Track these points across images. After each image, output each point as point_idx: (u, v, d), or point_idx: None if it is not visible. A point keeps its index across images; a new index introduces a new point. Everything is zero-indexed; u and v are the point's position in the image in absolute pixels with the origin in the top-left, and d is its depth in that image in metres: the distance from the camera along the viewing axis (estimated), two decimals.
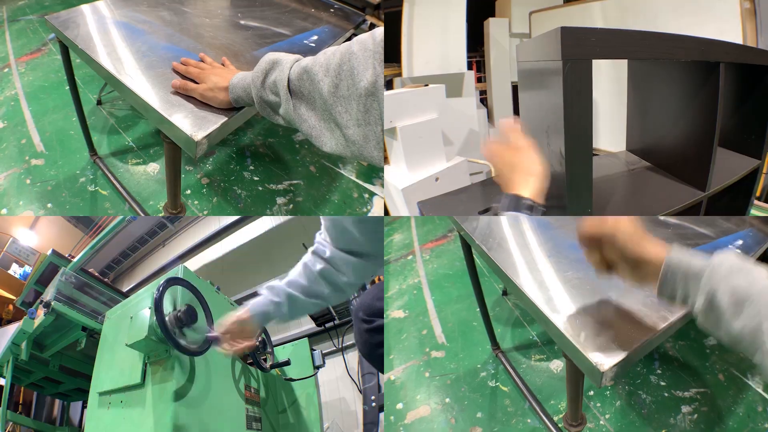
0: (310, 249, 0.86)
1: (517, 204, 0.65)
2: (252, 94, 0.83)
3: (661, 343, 1.49)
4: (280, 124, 0.83)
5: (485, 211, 1.39)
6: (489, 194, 1.60)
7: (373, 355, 0.97)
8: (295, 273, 0.87)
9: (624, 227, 0.60)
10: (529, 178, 0.67)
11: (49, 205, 1.61)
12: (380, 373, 1.58)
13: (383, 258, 0.85)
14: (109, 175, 1.70)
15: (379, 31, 0.70)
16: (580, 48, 0.72)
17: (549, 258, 0.87)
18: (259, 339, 1.39)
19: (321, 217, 0.85)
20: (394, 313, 1.93)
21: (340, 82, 0.69)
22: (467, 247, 1.26)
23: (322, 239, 0.84)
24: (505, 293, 1.92)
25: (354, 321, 0.98)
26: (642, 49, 0.80)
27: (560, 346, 0.70)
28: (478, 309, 1.52)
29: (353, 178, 1.92)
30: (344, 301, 1.95)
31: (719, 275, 0.52)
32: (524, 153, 0.69)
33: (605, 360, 0.61)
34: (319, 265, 0.83)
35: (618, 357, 0.61)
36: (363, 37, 0.70)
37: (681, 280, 0.55)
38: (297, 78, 0.75)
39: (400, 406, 1.46)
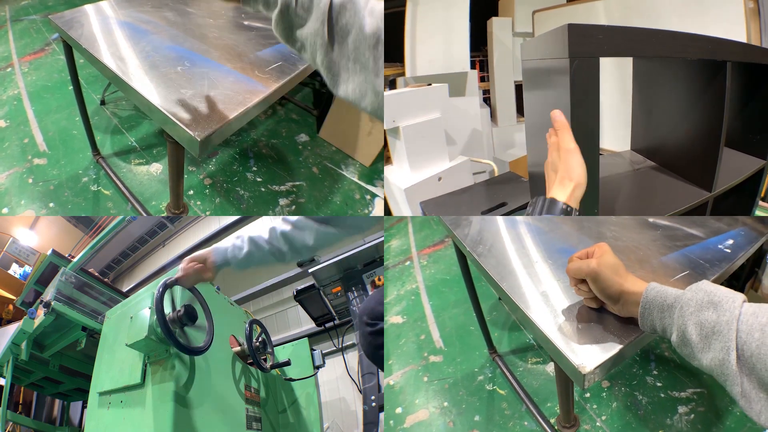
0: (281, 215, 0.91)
1: (552, 208, 0.64)
2: None
3: (654, 343, 1.49)
4: (286, 44, 0.74)
5: (489, 211, 1.39)
6: (492, 194, 1.59)
7: (376, 356, 0.99)
8: (263, 230, 0.91)
9: (605, 267, 0.63)
10: (569, 182, 0.65)
11: (51, 204, 1.60)
12: (380, 372, 1.58)
13: (354, 229, 0.89)
14: (112, 175, 1.70)
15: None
16: (588, 45, 0.71)
17: (537, 263, 0.87)
18: (259, 339, 1.39)
19: None
20: (392, 318, 1.93)
21: (381, 35, 0.64)
22: (461, 253, 1.26)
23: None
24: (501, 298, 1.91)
25: (358, 324, 1.00)
26: (650, 47, 0.80)
27: (545, 347, 0.69)
28: (475, 314, 1.52)
29: (355, 179, 1.91)
30: (343, 302, 1.94)
31: (689, 310, 0.53)
32: (569, 156, 0.67)
33: (588, 362, 0.61)
34: (284, 228, 0.87)
35: (601, 359, 0.61)
36: None
37: (658, 315, 0.58)
38: (340, 4, 0.67)
39: (399, 410, 1.46)
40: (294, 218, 0.88)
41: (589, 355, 0.62)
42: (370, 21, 0.65)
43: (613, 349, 0.62)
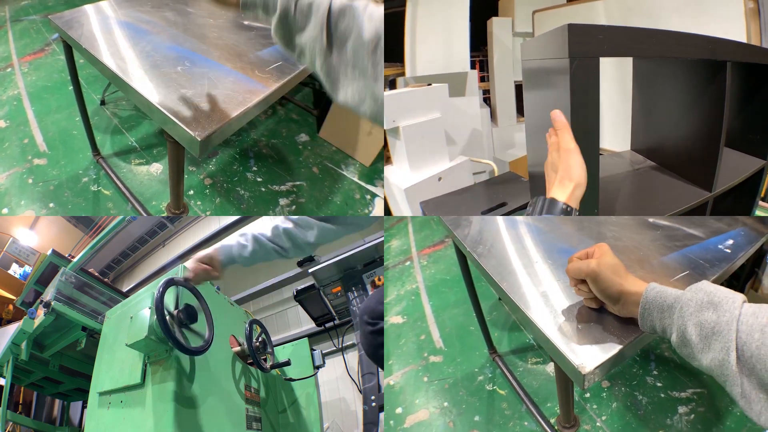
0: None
1: (552, 208, 0.64)
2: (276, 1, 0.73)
3: (654, 343, 1.49)
4: (286, 50, 0.75)
5: (489, 211, 1.39)
6: (492, 194, 1.59)
7: (377, 355, 0.99)
8: (266, 228, 0.94)
9: (605, 267, 0.63)
10: (568, 182, 0.65)
11: (51, 204, 1.60)
12: (380, 372, 1.58)
13: (353, 227, 0.95)
14: (112, 175, 1.69)
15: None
16: (588, 45, 0.71)
17: (537, 263, 0.86)
18: (259, 339, 1.39)
19: None
20: (392, 318, 1.93)
21: (380, 39, 0.65)
22: (461, 253, 1.26)
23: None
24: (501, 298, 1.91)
25: (359, 324, 1.00)
26: (650, 47, 0.80)
27: (545, 348, 0.69)
28: (475, 314, 1.52)
29: (355, 179, 1.91)
30: (343, 302, 1.94)
31: (689, 310, 0.53)
32: (569, 156, 0.67)
33: (588, 362, 0.61)
34: (287, 225, 0.91)
35: (601, 359, 0.61)
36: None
37: (657, 315, 0.58)
38: (339, 10, 0.68)
39: (399, 410, 1.46)
40: (296, 217, 0.91)
41: (589, 356, 0.62)
42: (368, 26, 0.65)
43: (612, 349, 0.62)
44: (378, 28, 0.65)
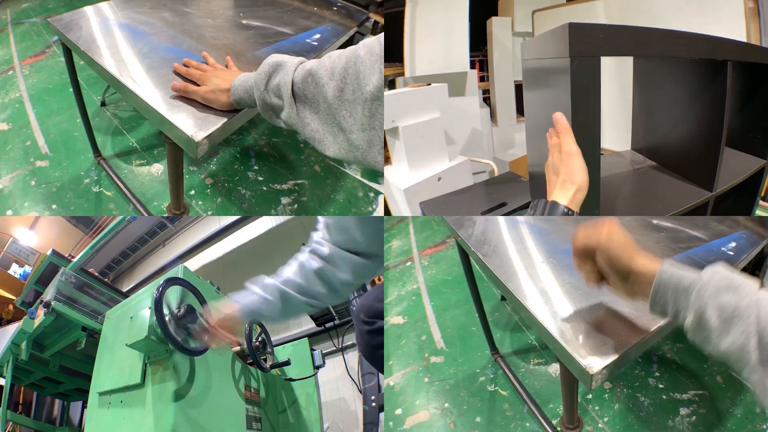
0: (307, 248, 0.81)
1: (553, 211, 0.63)
2: (254, 97, 0.82)
3: (656, 345, 1.49)
4: (282, 127, 0.82)
5: (489, 211, 1.38)
6: (492, 194, 1.59)
7: (374, 356, 0.97)
8: (291, 271, 0.80)
9: (616, 239, 0.60)
10: (570, 186, 0.64)
11: (54, 206, 1.60)
12: (380, 373, 1.57)
13: (383, 258, 0.82)
14: (114, 176, 1.69)
15: (383, 37, 0.69)
16: (588, 45, 0.71)
17: (543, 263, 0.87)
18: (259, 339, 1.39)
19: (318, 216, 0.81)
20: (393, 319, 1.93)
21: (345, 86, 0.68)
22: (464, 253, 1.26)
23: (320, 237, 0.79)
24: (503, 298, 1.91)
25: (355, 323, 0.98)
26: (651, 46, 0.80)
27: (552, 348, 0.69)
28: (477, 314, 1.51)
29: (358, 177, 1.91)
30: (344, 302, 1.94)
31: (708, 293, 0.52)
32: (571, 159, 0.66)
33: (595, 362, 0.61)
34: (316, 264, 0.77)
35: (608, 360, 0.61)
36: (370, 41, 0.68)
37: (672, 297, 0.55)
38: (301, 81, 0.73)
39: (399, 411, 1.45)
40: (322, 249, 0.77)
41: (597, 356, 0.62)
42: (331, 84, 0.69)
43: (620, 349, 0.62)
44: (379, 82, 0.66)
